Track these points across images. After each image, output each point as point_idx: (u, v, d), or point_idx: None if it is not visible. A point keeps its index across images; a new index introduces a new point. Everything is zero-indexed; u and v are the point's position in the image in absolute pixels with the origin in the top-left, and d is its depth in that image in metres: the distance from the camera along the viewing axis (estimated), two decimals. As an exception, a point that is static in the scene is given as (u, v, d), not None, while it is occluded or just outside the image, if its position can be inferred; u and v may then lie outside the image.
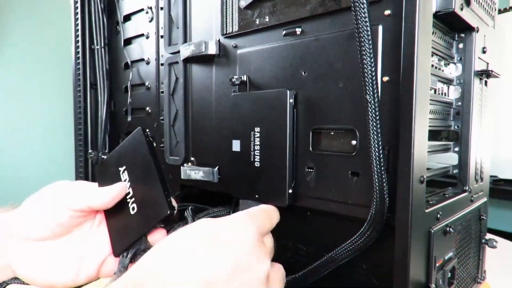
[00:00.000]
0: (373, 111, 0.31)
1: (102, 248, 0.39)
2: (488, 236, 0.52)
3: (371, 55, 0.30)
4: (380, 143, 0.32)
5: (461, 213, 0.44)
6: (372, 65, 0.31)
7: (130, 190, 0.39)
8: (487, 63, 0.49)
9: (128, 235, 0.38)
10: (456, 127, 0.46)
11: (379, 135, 0.32)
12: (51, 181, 0.39)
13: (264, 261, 0.30)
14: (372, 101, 0.31)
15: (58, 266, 0.36)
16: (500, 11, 1.03)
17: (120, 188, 0.38)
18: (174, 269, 0.27)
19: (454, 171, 0.47)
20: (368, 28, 0.30)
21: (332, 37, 0.39)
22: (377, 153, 0.32)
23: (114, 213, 0.39)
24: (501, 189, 0.98)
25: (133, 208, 0.38)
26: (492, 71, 0.46)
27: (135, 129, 0.41)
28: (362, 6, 0.29)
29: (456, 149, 0.46)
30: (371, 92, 0.31)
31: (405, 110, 0.32)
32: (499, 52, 0.53)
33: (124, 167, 0.41)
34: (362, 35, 0.30)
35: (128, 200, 0.39)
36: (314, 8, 0.41)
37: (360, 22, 0.30)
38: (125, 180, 0.40)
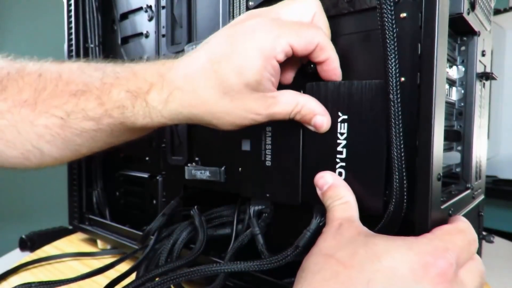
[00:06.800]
0: (396, 109, 0.32)
1: None
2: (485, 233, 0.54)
3: (396, 56, 0.31)
4: (401, 141, 0.33)
5: (466, 209, 0.45)
6: (397, 65, 0.31)
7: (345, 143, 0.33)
8: (485, 66, 0.51)
9: None
10: (458, 126, 0.48)
11: (400, 134, 0.33)
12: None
13: None
14: (395, 100, 0.32)
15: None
16: (500, 11, 1.03)
17: None
18: None
19: (457, 169, 0.49)
20: (394, 29, 0.31)
21: (347, 39, 0.40)
22: (398, 151, 0.33)
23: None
24: (501, 189, 0.97)
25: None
26: (492, 73, 0.48)
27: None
28: (388, 7, 0.30)
29: (459, 148, 0.48)
30: (394, 92, 0.32)
31: (424, 109, 0.33)
32: (492, 56, 0.56)
33: (346, 116, 0.35)
34: (388, 35, 0.31)
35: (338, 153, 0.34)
36: (326, 9, 0.41)
37: (385, 23, 0.31)
38: (341, 134, 0.34)
